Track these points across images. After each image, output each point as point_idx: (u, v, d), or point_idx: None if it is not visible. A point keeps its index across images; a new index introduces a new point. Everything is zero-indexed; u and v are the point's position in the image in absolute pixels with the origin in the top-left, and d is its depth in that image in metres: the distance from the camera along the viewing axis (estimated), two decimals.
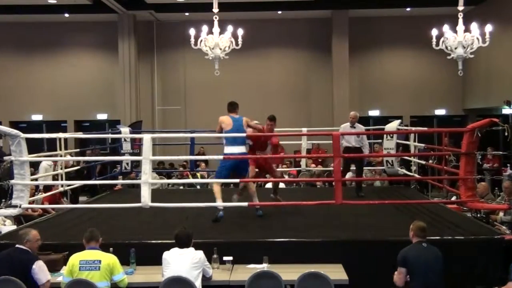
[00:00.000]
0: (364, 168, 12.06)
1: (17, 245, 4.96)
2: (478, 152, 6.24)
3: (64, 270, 4.93)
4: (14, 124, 15.26)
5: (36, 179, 8.13)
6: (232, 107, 6.85)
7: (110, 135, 11.69)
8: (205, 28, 8.35)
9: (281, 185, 10.94)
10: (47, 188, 8.34)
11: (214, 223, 6.48)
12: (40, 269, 4.81)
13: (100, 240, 4.98)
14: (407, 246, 4.92)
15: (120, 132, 9.65)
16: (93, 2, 14.59)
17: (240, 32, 8.55)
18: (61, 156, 8.03)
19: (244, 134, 6.60)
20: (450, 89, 16.40)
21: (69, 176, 9.20)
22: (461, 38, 7.78)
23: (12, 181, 6.13)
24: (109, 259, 4.82)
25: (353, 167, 9.05)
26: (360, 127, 8.78)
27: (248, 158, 6.83)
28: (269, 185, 10.96)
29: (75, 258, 4.81)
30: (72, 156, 10.31)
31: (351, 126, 8.64)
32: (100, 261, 4.76)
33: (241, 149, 6.67)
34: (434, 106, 16.66)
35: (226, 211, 6.71)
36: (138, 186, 7.06)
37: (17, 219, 7.49)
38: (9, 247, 5.10)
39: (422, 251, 4.78)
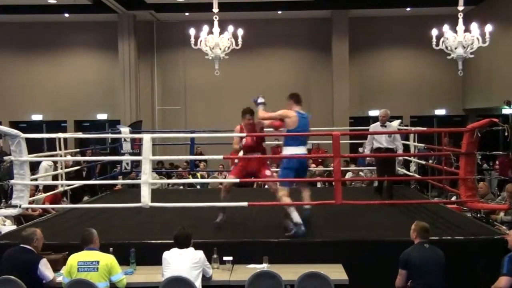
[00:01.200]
0: (364, 168, 12.06)
1: (20, 245, 4.98)
2: (478, 152, 6.25)
3: (63, 270, 4.92)
4: (14, 124, 15.25)
5: (36, 179, 8.13)
6: (300, 100, 6.08)
7: (110, 135, 11.66)
8: (205, 28, 8.35)
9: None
10: (47, 188, 8.33)
11: (216, 225, 6.32)
12: (46, 267, 4.86)
13: (96, 241, 4.94)
14: (406, 246, 4.91)
15: (120, 132, 9.65)
16: (93, 2, 14.59)
17: (240, 32, 8.55)
18: (61, 156, 8.03)
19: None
20: (450, 89, 16.40)
21: (69, 176, 9.19)
22: (461, 38, 7.77)
23: (12, 181, 6.13)
24: (107, 259, 4.81)
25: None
26: (393, 127, 8.20)
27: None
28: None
29: (73, 259, 4.80)
30: (72, 156, 10.30)
31: (381, 125, 7.95)
32: (98, 262, 4.75)
33: (304, 149, 5.98)
34: (434, 106, 16.66)
35: (226, 210, 6.69)
36: (138, 186, 7.05)
37: (17, 219, 7.49)
38: (9, 247, 5.11)
39: (425, 253, 4.76)
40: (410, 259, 4.72)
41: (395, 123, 9.53)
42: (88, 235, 4.94)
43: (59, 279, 4.92)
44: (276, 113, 5.99)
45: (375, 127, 8.19)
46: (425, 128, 9.91)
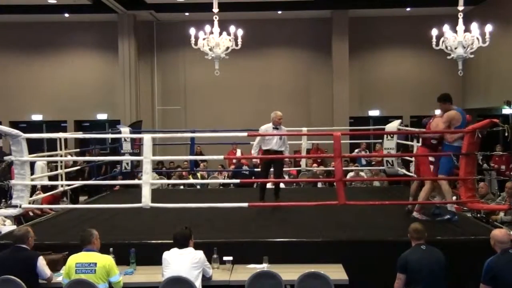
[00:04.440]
0: (364, 168, 12.10)
1: (15, 245, 4.96)
2: (478, 153, 6.24)
3: (63, 271, 4.91)
4: (14, 124, 15.27)
5: (33, 180, 8.11)
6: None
7: (110, 135, 11.67)
8: (205, 28, 8.35)
9: (281, 185, 10.92)
10: (45, 188, 8.31)
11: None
12: (43, 264, 4.88)
13: (95, 241, 4.92)
14: (406, 246, 4.91)
15: (120, 132, 9.65)
16: (93, 2, 14.59)
17: (240, 32, 8.55)
18: (61, 156, 8.03)
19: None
20: (450, 89, 16.23)
21: (69, 176, 9.18)
22: (461, 38, 7.77)
23: (13, 181, 6.13)
24: (105, 261, 4.79)
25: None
26: (284, 129, 7.88)
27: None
28: (269, 185, 10.94)
29: (72, 260, 4.79)
30: (72, 156, 10.31)
31: (274, 128, 7.60)
32: (95, 264, 4.73)
33: None
34: (434, 106, 16.44)
35: (227, 211, 6.70)
36: (137, 186, 7.05)
37: (17, 219, 7.49)
38: (9, 247, 5.10)
39: (422, 254, 4.73)
40: (407, 263, 4.68)
41: (395, 123, 9.54)
42: (87, 236, 4.92)
43: (59, 279, 4.92)
44: None
45: (267, 129, 7.70)
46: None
